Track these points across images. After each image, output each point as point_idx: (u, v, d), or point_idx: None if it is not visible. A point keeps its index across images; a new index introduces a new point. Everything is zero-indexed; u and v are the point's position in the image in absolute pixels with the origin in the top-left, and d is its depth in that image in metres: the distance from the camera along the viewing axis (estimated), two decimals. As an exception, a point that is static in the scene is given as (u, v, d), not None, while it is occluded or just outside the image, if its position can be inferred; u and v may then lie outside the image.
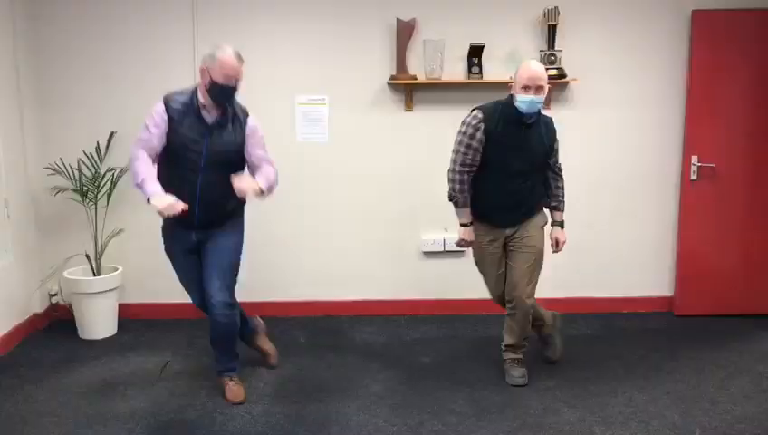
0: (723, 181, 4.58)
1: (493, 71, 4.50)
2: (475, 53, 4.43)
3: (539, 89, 3.31)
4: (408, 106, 4.56)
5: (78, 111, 4.47)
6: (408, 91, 4.53)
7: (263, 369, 3.85)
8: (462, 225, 3.57)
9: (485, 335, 4.37)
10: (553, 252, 3.70)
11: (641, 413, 3.34)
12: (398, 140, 4.62)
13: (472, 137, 3.40)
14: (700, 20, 4.43)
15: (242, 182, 3.16)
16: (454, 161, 3.46)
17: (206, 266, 3.39)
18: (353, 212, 4.68)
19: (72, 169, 4.37)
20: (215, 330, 3.46)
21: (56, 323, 4.60)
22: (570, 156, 4.54)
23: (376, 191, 4.65)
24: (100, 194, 4.36)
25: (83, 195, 4.35)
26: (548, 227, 3.68)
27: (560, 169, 3.68)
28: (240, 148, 3.32)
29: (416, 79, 4.47)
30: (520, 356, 3.71)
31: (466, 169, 3.44)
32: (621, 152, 4.67)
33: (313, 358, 4.04)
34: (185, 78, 4.00)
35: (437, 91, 4.55)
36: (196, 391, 3.58)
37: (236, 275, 3.47)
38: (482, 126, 3.39)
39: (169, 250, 3.50)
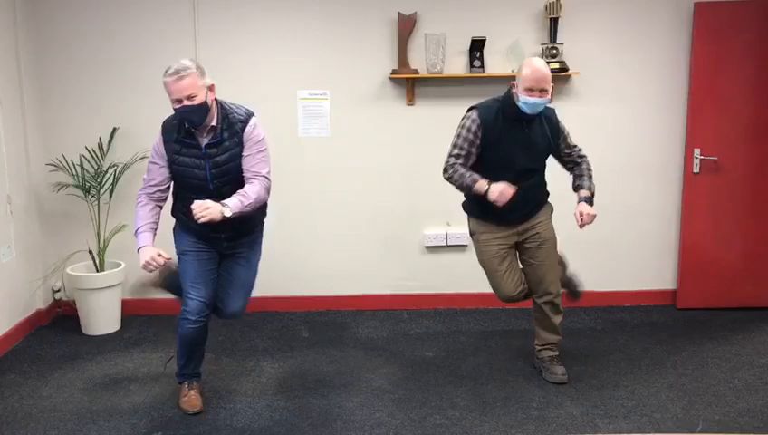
0: (725, 174, 4.56)
1: (494, 64, 4.49)
2: (477, 46, 4.42)
3: (543, 91, 3.26)
4: (410, 100, 4.56)
5: (80, 107, 4.48)
6: (410, 85, 4.52)
7: (265, 364, 3.86)
8: (486, 190, 3.29)
9: (488, 329, 4.38)
10: (579, 226, 3.44)
11: (644, 406, 3.34)
12: (400, 135, 4.62)
13: (465, 139, 3.36)
14: (702, 11, 4.41)
15: (199, 209, 2.95)
16: (448, 157, 3.40)
17: (232, 282, 3.35)
18: (355, 207, 4.68)
19: (74, 165, 4.37)
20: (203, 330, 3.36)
21: (60, 319, 4.61)
22: (572, 149, 4.56)
23: (378, 186, 4.65)
24: (103, 190, 4.37)
25: (86, 191, 4.36)
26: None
27: (579, 151, 3.56)
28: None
29: (417, 73, 4.46)
30: (557, 353, 3.69)
31: (460, 161, 3.37)
32: (623, 145, 4.66)
33: (316, 353, 4.05)
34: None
35: (439, 85, 4.54)
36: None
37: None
38: (478, 127, 3.34)
39: (184, 248, 3.34)
